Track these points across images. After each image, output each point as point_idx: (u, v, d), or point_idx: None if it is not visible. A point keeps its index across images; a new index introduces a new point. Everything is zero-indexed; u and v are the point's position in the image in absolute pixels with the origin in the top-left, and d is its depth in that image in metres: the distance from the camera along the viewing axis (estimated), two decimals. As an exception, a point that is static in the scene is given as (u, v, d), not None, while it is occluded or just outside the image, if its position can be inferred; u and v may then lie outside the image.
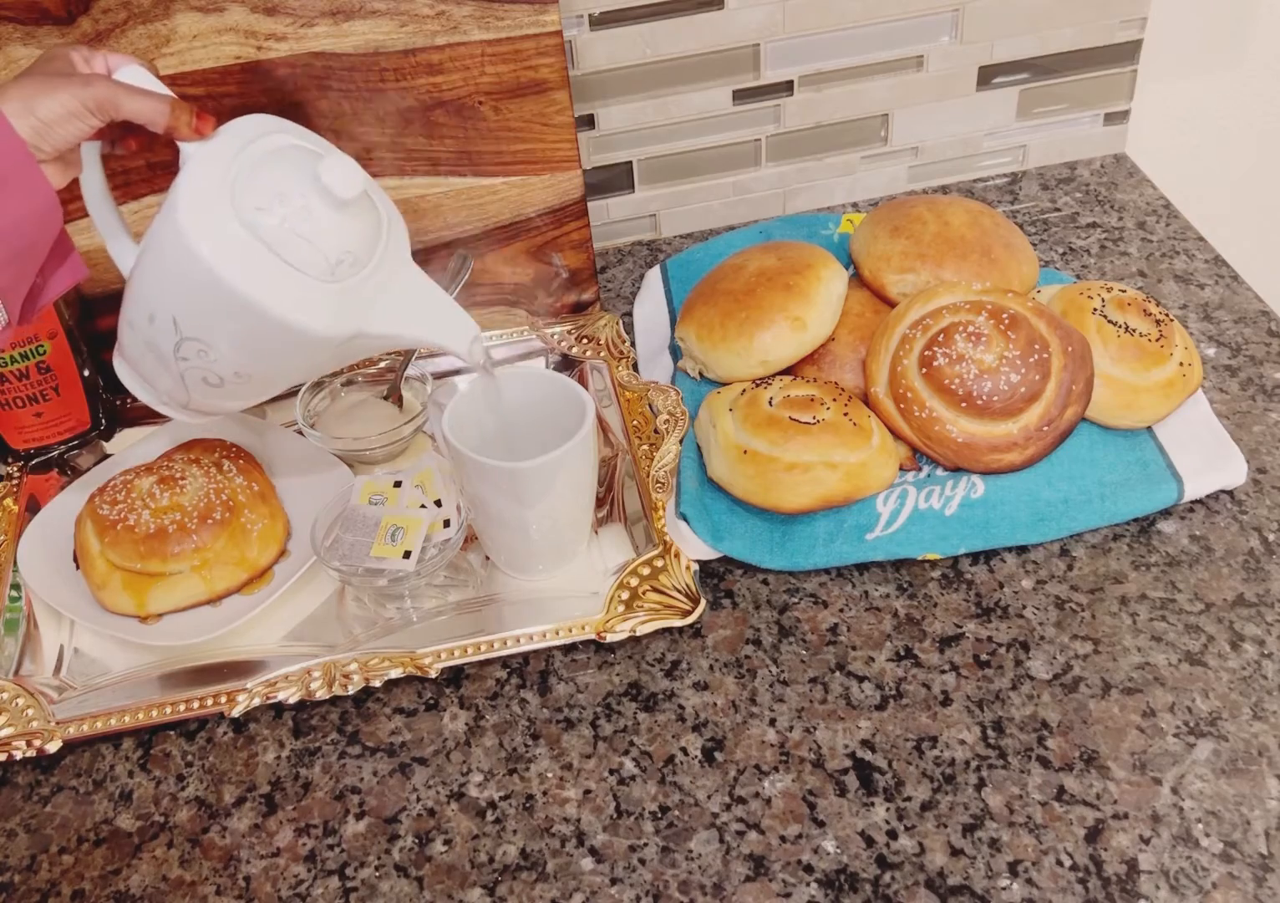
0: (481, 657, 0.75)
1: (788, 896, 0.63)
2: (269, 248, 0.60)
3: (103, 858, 0.69)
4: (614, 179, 1.05)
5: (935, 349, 0.79)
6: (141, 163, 0.85)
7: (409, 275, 0.68)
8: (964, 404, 0.78)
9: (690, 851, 0.66)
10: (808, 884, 0.64)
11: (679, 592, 0.77)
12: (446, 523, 0.79)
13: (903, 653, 0.74)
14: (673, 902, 0.64)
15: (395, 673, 0.74)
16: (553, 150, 0.91)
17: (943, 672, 0.73)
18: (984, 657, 0.74)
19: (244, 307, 0.60)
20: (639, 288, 1.03)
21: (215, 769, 0.72)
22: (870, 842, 0.65)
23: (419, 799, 0.70)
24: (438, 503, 0.80)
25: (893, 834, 0.65)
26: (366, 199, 0.64)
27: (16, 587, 0.82)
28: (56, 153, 0.59)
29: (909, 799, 0.67)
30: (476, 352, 0.71)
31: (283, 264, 0.61)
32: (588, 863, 0.66)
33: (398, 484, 0.81)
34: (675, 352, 0.94)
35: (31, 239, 0.59)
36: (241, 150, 0.62)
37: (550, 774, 0.70)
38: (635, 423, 0.88)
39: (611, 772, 0.70)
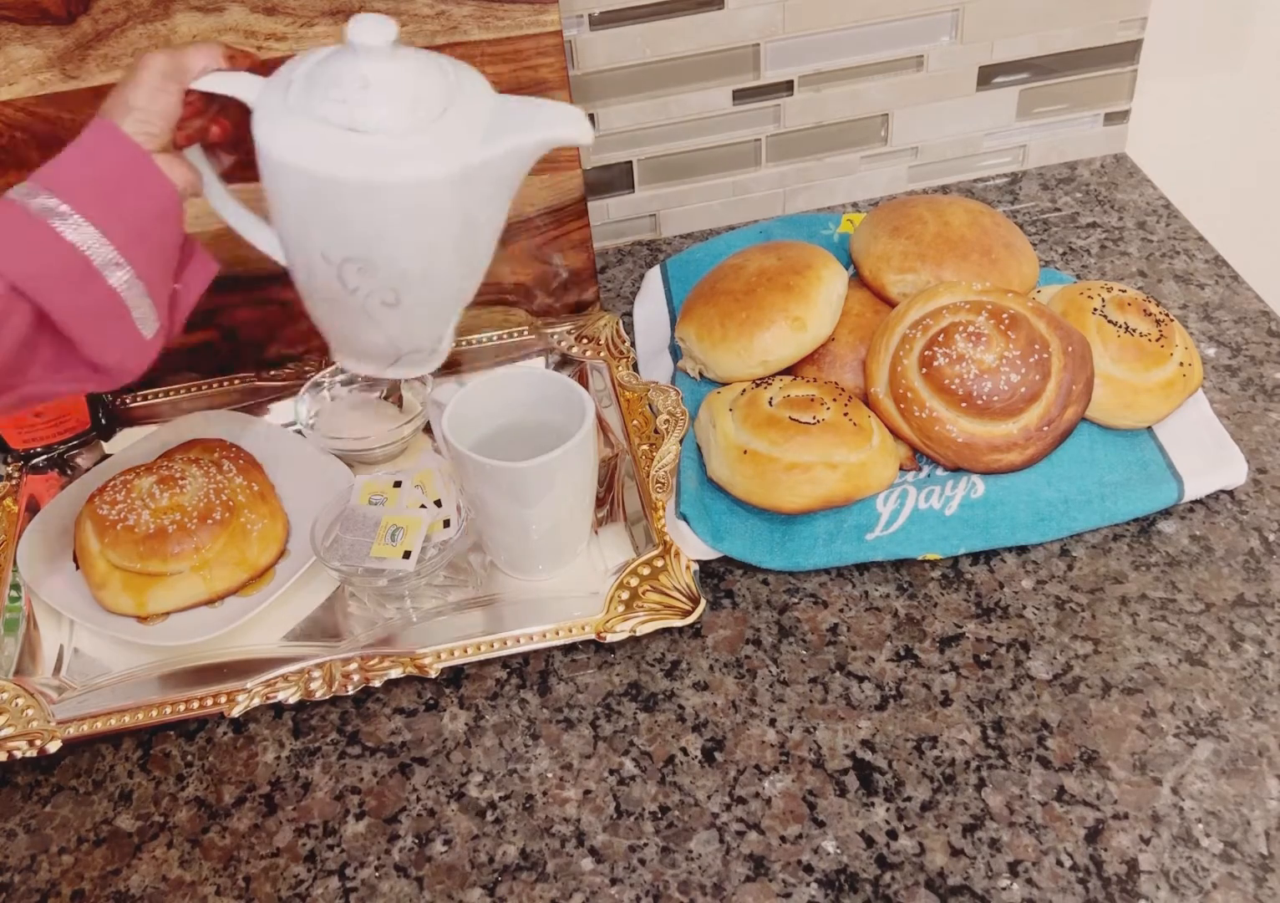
0: (481, 657, 0.75)
1: (788, 896, 0.63)
2: (349, 129, 0.61)
3: (103, 858, 0.69)
4: (614, 179, 1.05)
5: (935, 349, 0.79)
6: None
7: (494, 102, 0.66)
8: (964, 404, 0.78)
9: (690, 851, 0.66)
10: (808, 885, 0.64)
11: (679, 592, 0.77)
12: (446, 523, 0.79)
13: (903, 653, 0.74)
14: (673, 902, 0.64)
15: (395, 673, 0.74)
16: (553, 150, 0.91)
17: (943, 672, 0.73)
18: (984, 657, 0.74)
19: (350, 190, 0.61)
20: (639, 288, 1.03)
21: (215, 769, 0.72)
22: (870, 842, 0.65)
23: (419, 799, 0.70)
24: (438, 503, 0.80)
25: (893, 834, 0.65)
26: (412, 50, 0.64)
27: (16, 587, 0.82)
28: (166, 134, 0.62)
29: (909, 799, 0.67)
30: (587, 130, 0.66)
31: (364, 136, 0.61)
32: (588, 863, 0.66)
33: (398, 484, 0.81)
34: (675, 352, 0.94)
35: (160, 237, 0.62)
36: (292, 71, 0.63)
37: (550, 774, 0.70)
38: (635, 423, 0.88)
39: (611, 772, 0.70)
